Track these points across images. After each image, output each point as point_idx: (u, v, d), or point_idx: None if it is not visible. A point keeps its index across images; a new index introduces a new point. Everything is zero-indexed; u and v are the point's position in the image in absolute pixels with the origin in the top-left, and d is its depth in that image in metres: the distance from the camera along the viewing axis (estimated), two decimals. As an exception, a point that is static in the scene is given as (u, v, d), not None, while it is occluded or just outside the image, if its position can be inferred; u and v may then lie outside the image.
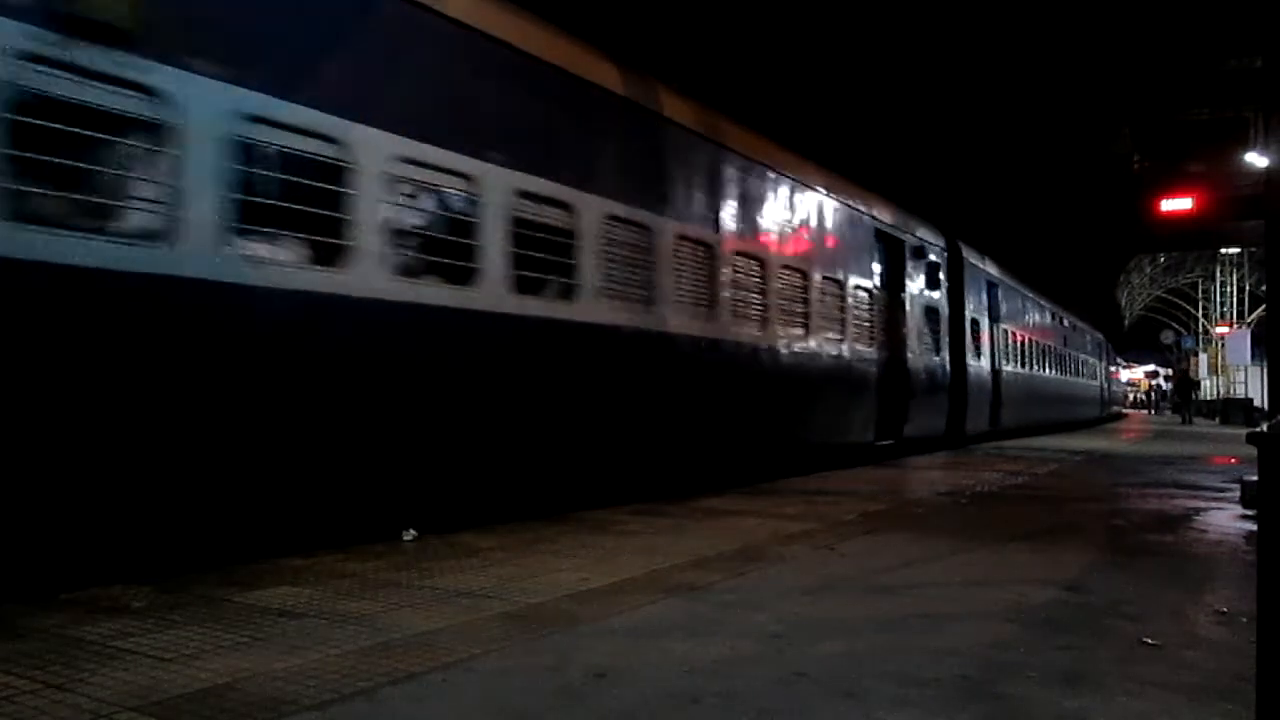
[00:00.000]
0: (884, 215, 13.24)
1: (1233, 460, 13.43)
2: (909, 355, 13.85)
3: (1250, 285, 41.74)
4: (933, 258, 15.08)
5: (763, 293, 9.66)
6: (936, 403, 15.11)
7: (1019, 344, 20.70)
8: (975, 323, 17.03)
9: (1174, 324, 55.69)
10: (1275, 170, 7.00)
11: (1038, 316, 23.35)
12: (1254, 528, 5.51)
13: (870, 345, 12.43)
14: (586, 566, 4.83)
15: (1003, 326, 19.02)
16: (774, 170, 10.17)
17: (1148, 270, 51.51)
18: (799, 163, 10.87)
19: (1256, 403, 30.73)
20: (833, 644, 3.40)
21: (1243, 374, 40.24)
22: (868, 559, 5.21)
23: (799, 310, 10.51)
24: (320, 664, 3.09)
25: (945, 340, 15.55)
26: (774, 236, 10.03)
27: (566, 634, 3.53)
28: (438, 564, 4.87)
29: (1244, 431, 2.87)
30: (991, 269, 18.86)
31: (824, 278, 11.09)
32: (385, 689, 2.85)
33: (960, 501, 8.11)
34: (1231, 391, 40.62)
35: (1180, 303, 53.80)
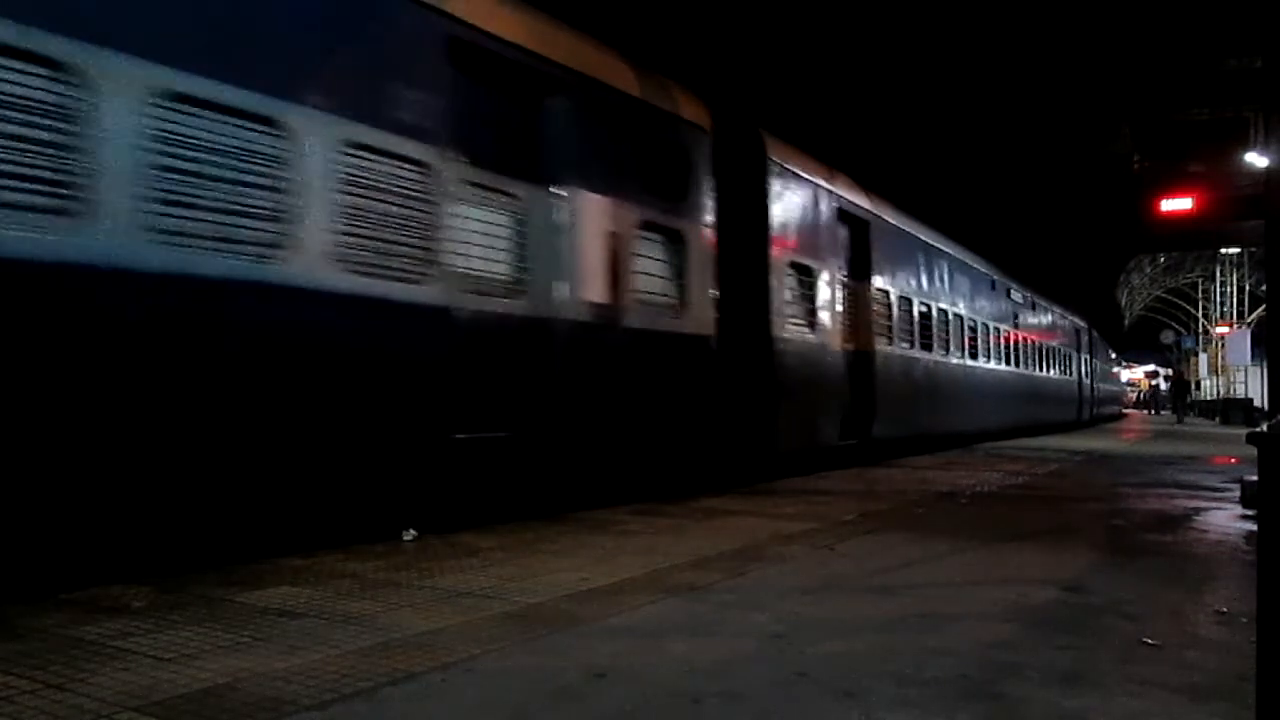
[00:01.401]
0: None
1: (1233, 460, 13.43)
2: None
3: (1250, 285, 41.72)
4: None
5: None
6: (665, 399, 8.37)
7: (918, 317, 14.64)
8: (804, 270, 10.95)
9: (1174, 324, 55.68)
10: (1275, 170, 7.00)
11: (962, 284, 17.28)
12: (1254, 528, 5.51)
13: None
14: (586, 566, 4.83)
15: (881, 288, 13.30)
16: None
17: (1148, 270, 51.48)
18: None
19: (1256, 403, 30.73)
20: (833, 644, 3.40)
21: (1243, 374, 40.24)
22: (867, 559, 5.21)
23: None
24: (320, 664, 3.09)
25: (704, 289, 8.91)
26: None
27: (566, 634, 3.53)
28: (438, 564, 4.87)
29: (1244, 431, 2.87)
30: (853, 197, 12.58)
31: None
32: (385, 689, 2.85)
33: (960, 501, 8.12)
34: (1231, 391, 40.62)
35: (1180, 303, 53.77)
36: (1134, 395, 68.20)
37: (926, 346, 15.07)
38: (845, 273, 12.33)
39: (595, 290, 7.42)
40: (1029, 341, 22.69)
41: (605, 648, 3.34)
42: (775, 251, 10.27)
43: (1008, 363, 20.51)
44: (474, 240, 6.42)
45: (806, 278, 11.08)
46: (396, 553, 5.22)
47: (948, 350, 16.25)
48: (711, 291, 9.02)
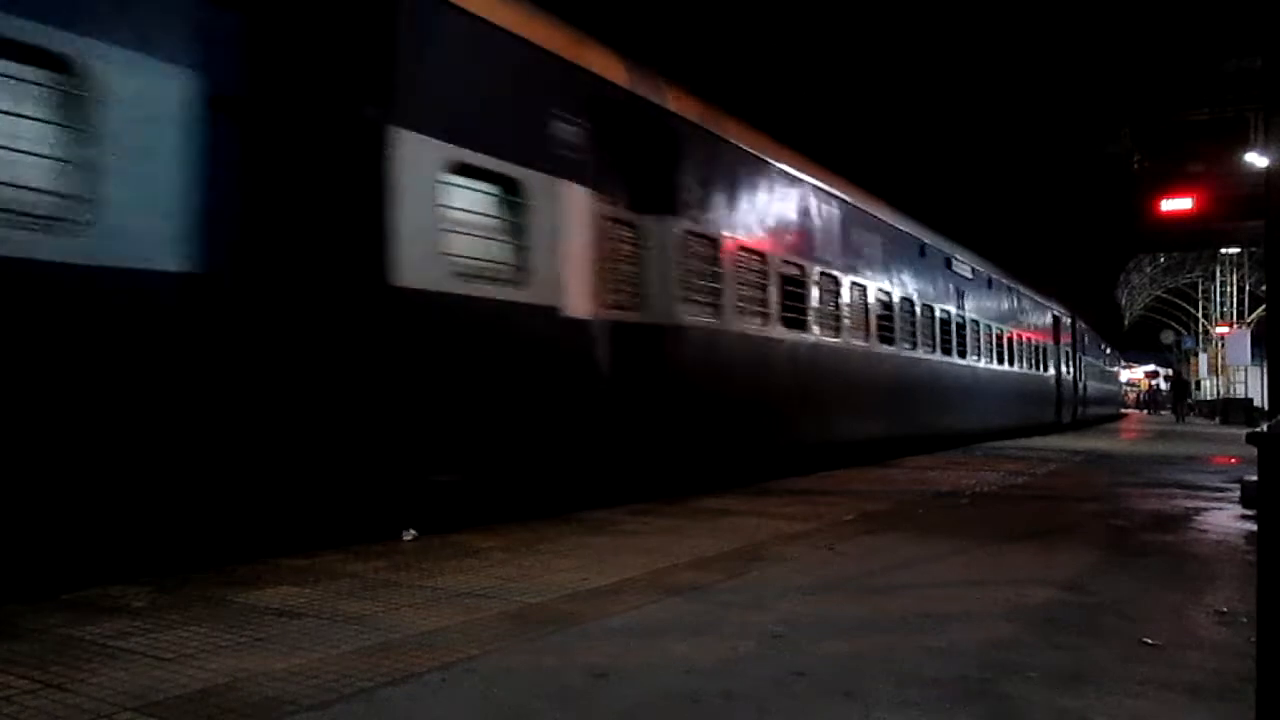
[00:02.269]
0: None
1: (1233, 460, 13.43)
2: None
3: (1250, 285, 41.74)
4: None
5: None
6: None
7: (757, 275, 10.12)
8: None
9: (1174, 324, 55.71)
10: (1275, 170, 7.00)
11: (855, 239, 12.69)
12: (1254, 528, 5.51)
13: None
14: (586, 566, 4.83)
15: (721, 238, 9.30)
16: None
17: (1148, 270, 51.48)
18: None
19: (1256, 403, 30.74)
20: (833, 644, 3.40)
21: (1243, 374, 40.26)
22: (868, 559, 5.21)
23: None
24: (320, 664, 3.09)
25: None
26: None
27: (566, 634, 3.52)
28: (438, 564, 4.87)
29: (1244, 431, 2.87)
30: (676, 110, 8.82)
31: None
32: (385, 689, 2.85)
33: (960, 501, 8.11)
34: (1231, 391, 40.65)
35: (1180, 303, 53.78)
36: (1134, 395, 68.24)
37: (770, 318, 10.28)
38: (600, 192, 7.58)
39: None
40: (980, 326, 18.40)
41: (605, 648, 3.34)
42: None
43: (946, 352, 16.19)
44: None
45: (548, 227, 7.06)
46: (396, 553, 5.22)
47: (836, 330, 11.93)
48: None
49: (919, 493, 8.67)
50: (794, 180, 11.11)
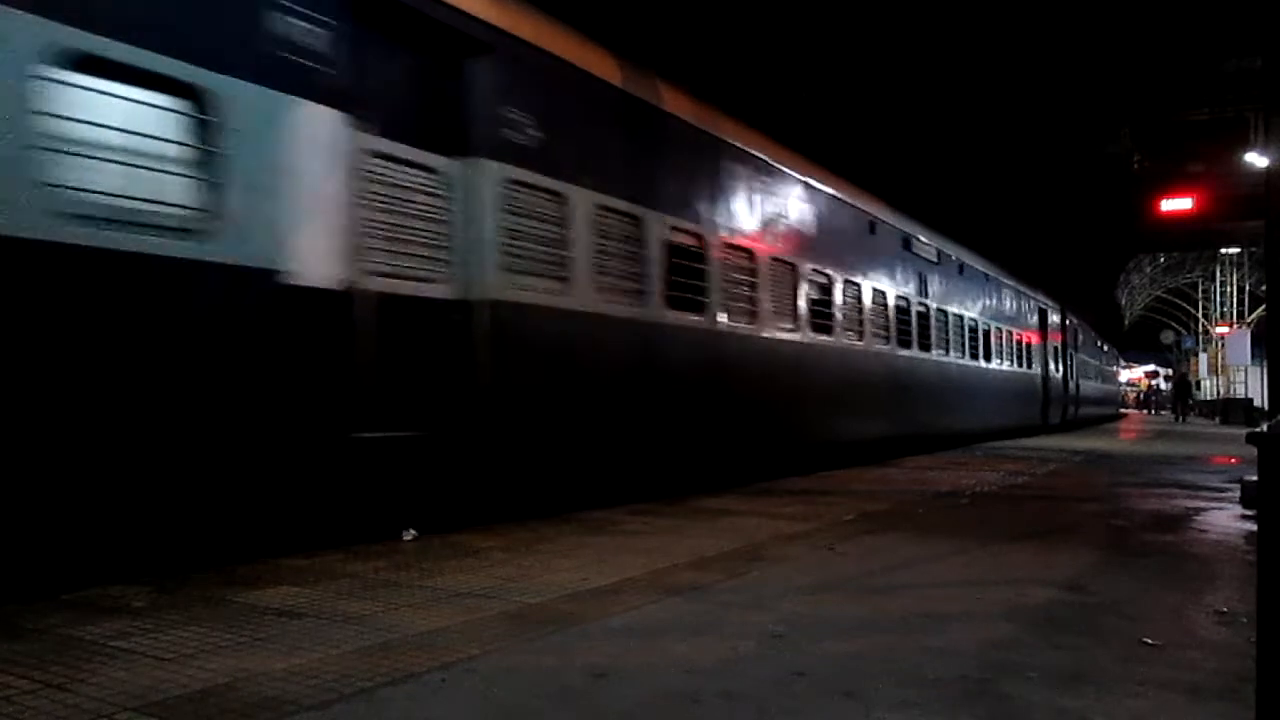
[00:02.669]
0: None
1: (1233, 460, 13.43)
2: None
3: (1250, 285, 41.77)
4: None
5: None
6: None
7: (662, 250, 8.42)
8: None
9: (1174, 324, 55.74)
10: (1275, 170, 7.00)
11: (785, 207, 10.75)
12: (1254, 528, 5.51)
13: None
14: (586, 566, 4.83)
15: (569, 193, 7.25)
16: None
17: (1148, 270, 51.52)
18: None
19: (1256, 403, 30.75)
20: (833, 644, 3.40)
21: (1243, 374, 40.27)
22: (868, 559, 5.21)
23: None
24: (320, 664, 3.09)
25: None
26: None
27: (566, 634, 3.52)
28: (438, 564, 4.87)
29: (1244, 431, 2.88)
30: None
31: None
32: (385, 689, 2.85)
33: (960, 501, 8.12)
34: (1231, 391, 40.67)
35: (1180, 303, 53.82)
36: (1134, 395, 68.24)
37: (677, 303, 8.60)
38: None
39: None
40: (948, 317, 16.29)
41: (605, 648, 3.34)
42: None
43: (904, 345, 14.23)
44: None
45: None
46: (396, 552, 5.22)
47: (751, 314, 9.82)
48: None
49: (919, 493, 8.67)
50: (651, 112, 8.49)
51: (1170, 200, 25.90)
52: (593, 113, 7.85)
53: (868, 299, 12.99)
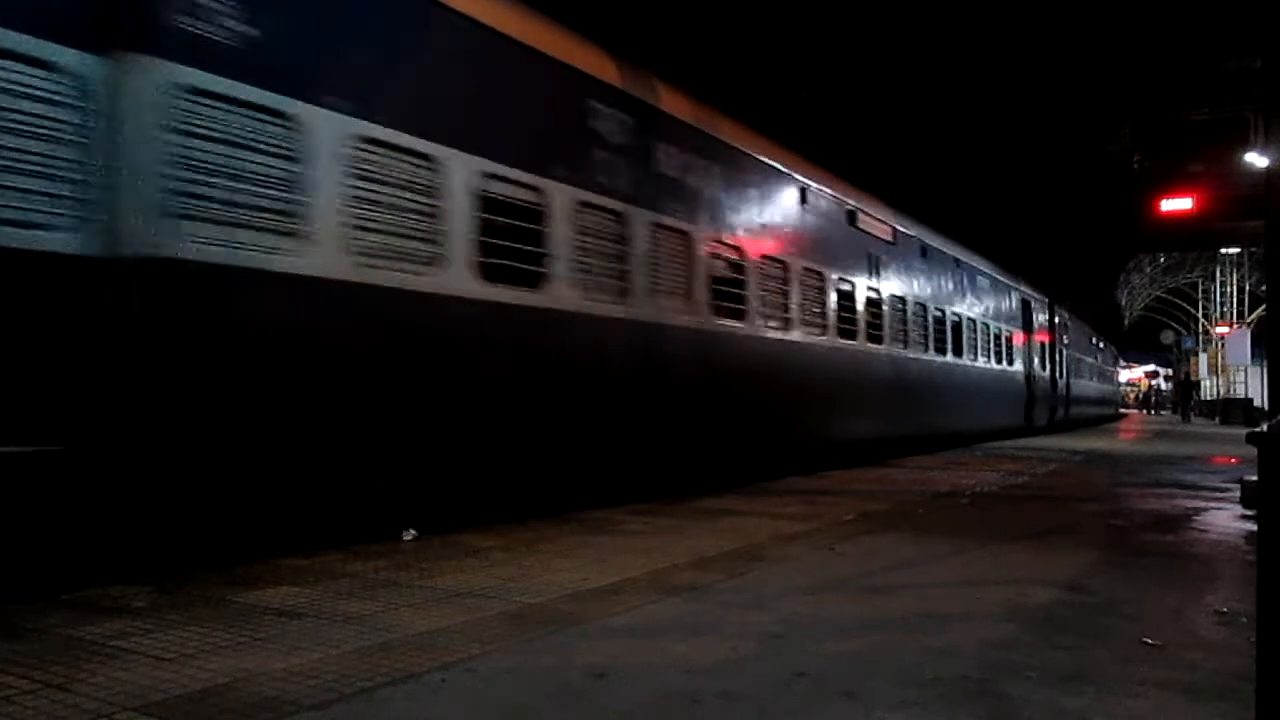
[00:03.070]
0: None
1: (1233, 460, 13.43)
2: None
3: (1250, 285, 41.76)
4: None
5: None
6: None
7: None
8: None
9: (1174, 324, 55.72)
10: (1275, 170, 7.00)
11: (714, 181, 9.32)
12: (1254, 528, 5.51)
13: None
14: (586, 566, 4.82)
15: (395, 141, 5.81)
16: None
17: (1148, 270, 51.50)
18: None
19: (1256, 403, 30.75)
20: (833, 644, 3.40)
21: (1243, 374, 40.27)
22: (867, 559, 5.21)
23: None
24: (320, 664, 3.09)
25: None
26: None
27: (566, 634, 3.52)
28: (438, 564, 4.87)
29: (1244, 431, 2.88)
30: None
31: None
32: (385, 689, 2.85)
33: (960, 501, 8.11)
34: (1231, 391, 40.66)
35: (1180, 303, 53.80)
36: (1134, 395, 68.22)
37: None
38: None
39: None
40: (908, 305, 14.36)
41: (605, 648, 3.34)
42: None
43: (848, 335, 12.24)
44: None
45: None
46: (396, 552, 5.22)
47: (620, 294, 7.87)
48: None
49: (919, 493, 8.67)
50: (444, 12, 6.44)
51: (1170, 200, 25.88)
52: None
53: (797, 280, 10.77)
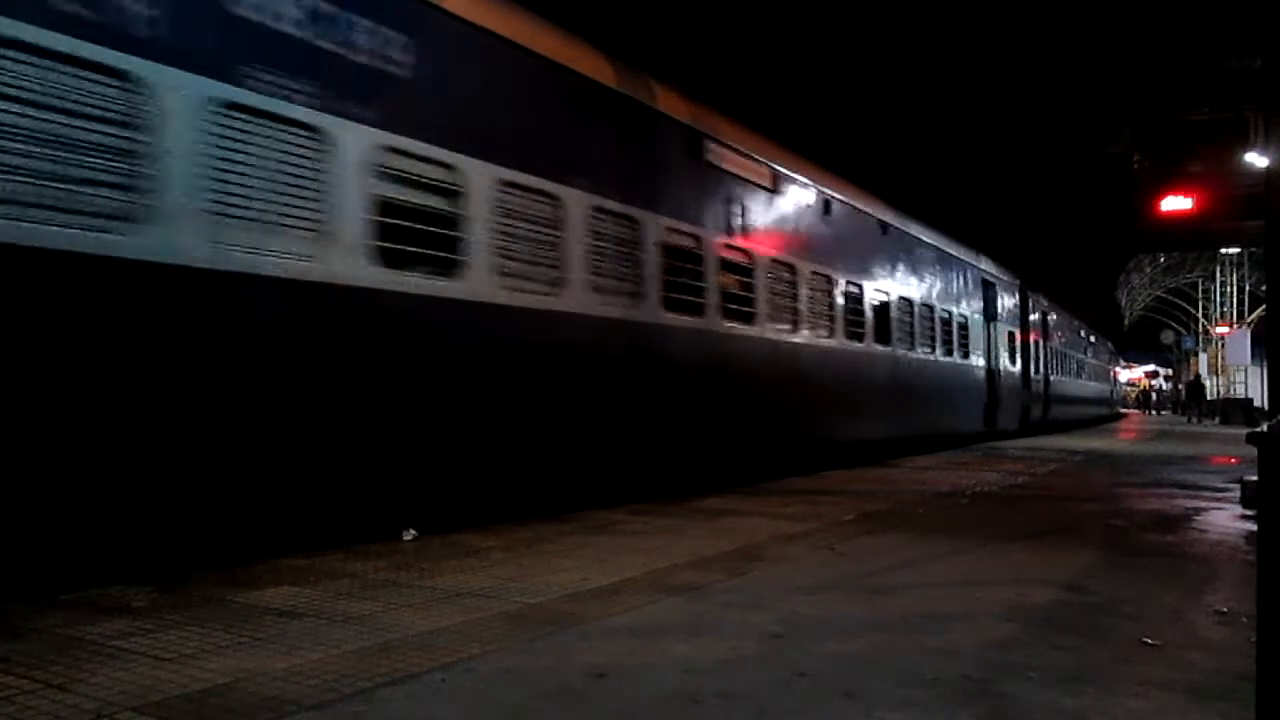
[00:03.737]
0: None
1: (1233, 460, 13.43)
2: None
3: (1250, 285, 41.75)
4: None
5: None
6: None
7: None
8: None
9: (1174, 324, 55.71)
10: (1275, 170, 7.00)
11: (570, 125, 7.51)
12: (1254, 528, 5.51)
13: None
14: (586, 566, 4.82)
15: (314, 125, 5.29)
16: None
17: (1148, 270, 51.48)
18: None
19: (1256, 403, 30.76)
20: (833, 644, 3.40)
21: (1243, 374, 40.26)
22: (868, 559, 5.21)
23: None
24: (320, 664, 3.09)
25: None
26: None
27: (566, 634, 3.52)
28: (438, 564, 4.87)
29: (1244, 431, 2.88)
30: None
31: None
32: (385, 689, 2.85)
33: (960, 502, 8.11)
34: (1231, 391, 40.64)
35: (1180, 303, 53.78)
36: (1135, 395, 68.19)
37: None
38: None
39: None
40: (798, 274, 10.92)
41: (605, 648, 3.34)
42: None
43: (728, 316, 9.49)
44: None
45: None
46: (396, 552, 5.22)
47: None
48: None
49: (919, 493, 8.66)
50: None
51: (1170, 200, 25.88)
52: None
53: (649, 237, 8.35)
